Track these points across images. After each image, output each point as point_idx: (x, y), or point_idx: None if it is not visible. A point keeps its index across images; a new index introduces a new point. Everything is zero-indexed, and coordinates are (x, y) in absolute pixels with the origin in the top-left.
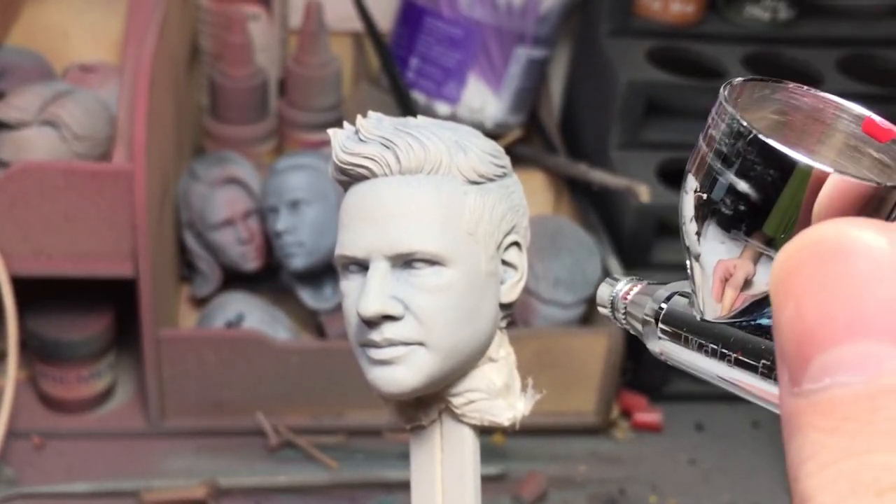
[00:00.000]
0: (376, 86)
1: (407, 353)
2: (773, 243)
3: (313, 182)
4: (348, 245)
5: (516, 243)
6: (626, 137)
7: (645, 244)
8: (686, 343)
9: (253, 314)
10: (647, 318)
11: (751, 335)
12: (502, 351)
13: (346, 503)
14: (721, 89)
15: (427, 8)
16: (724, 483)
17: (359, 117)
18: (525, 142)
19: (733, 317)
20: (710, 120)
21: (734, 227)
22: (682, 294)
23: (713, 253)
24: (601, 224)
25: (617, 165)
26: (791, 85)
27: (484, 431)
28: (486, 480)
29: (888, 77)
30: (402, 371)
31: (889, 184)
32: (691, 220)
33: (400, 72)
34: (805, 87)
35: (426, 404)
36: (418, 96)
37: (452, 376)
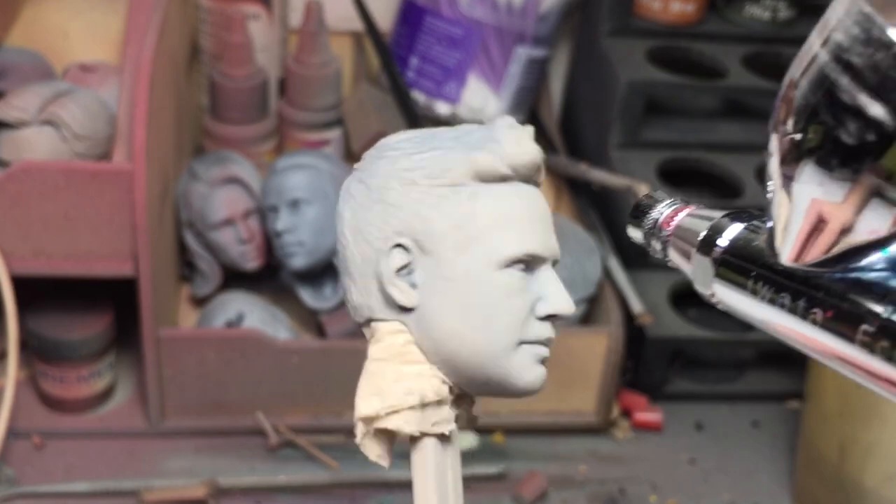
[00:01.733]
0: (376, 85)
1: None
2: (893, 178)
3: (313, 182)
4: (536, 243)
5: None
6: (626, 137)
7: None
8: (754, 291)
9: (253, 314)
10: (702, 253)
11: (848, 290)
12: None
13: (346, 503)
14: None
15: (427, 8)
16: (724, 483)
17: (510, 119)
18: None
19: (823, 263)
20: (827, 20)
21: (847, 161)
22: (751, 228)
23: (808, 194)
24: (601, 224)
25: (617, 165)
26: None
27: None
28: (487, 480)
29: None
30: (546, 369)
31: None
32: (781, 164)
33: (400, 71)
34: None
35: (454, 408)
36: (418, 96)
37: None
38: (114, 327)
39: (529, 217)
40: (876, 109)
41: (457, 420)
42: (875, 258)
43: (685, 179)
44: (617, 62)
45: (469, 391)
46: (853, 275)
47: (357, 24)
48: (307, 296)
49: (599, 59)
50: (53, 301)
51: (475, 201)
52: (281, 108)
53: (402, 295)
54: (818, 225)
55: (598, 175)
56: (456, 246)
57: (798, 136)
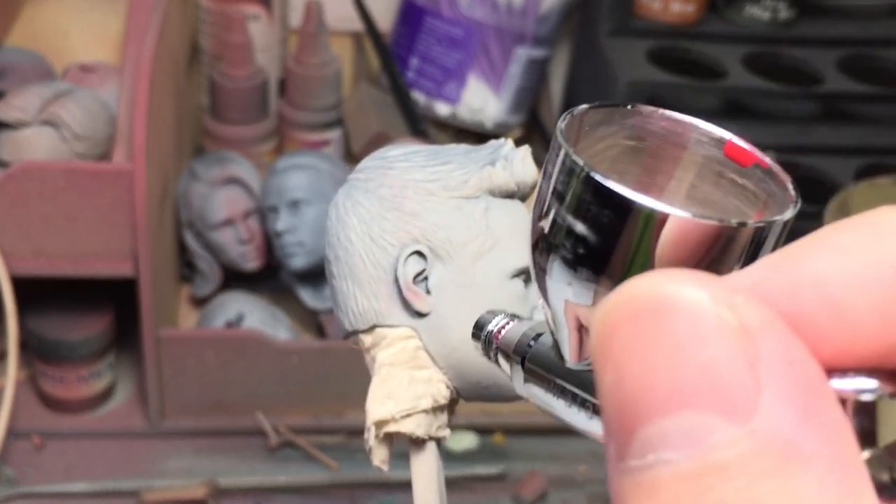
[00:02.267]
0: (376, 86)
1: None
2: None
3: (313, 182)
4: None
5: None
6: None
7: None
8: (551, 388)
9: (253, 314)
10: (515, 360)
11: None
12: None
13: (346, 503)
14: (559, 119)
15: (427, 8)
16: None
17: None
18: (525, 142)
19: (590, 363)
20: (547, 154)
21: (579, 267)
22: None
23: (560, 294)
24: None
25: None
26: (644, 108)
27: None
28: (486, 480)
29: (888, 77)
30: None
31: (734, 222)
32: (534, 251)
33: (400, 72)
34: (660, 111)
35: (449, 413)
36: (418, 96)
37: None
38: (114, 327)
39: (524, 230)
40: (579, 227)
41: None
42: None
43: None
44: (617, 62)
45: (467, 396)
46: None
47: (357, 24)
48: (307, 296)
49: (599, 59)
50: (53, 301)
51: (490, 213)
52: (281, 108)
53: (418, 300)
54: (581, 330)
55: None
56: (473, 254)
57: (546, 228)
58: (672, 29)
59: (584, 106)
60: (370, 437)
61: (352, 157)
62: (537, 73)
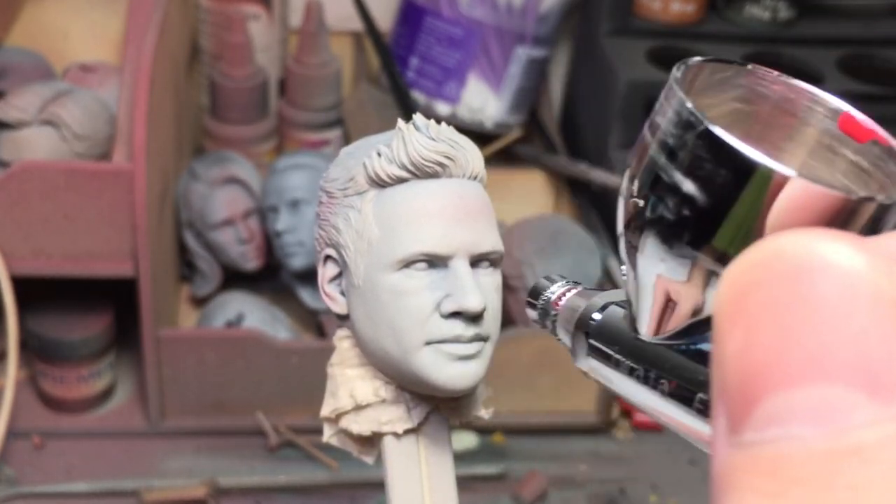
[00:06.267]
0: (376, 86)
1: (483, 348)
2: (726, 259)
3: (313, 182)
4: (431, 241)
5: None
6: (626, 137)
7: None
8: (617, 364)
9: (253, 314)
10: (577, 329)
11: (689, 362)
12: None
13: (346, 503)
14: (674, 69)
15: (427, 8)
16: None
17: (421, 118)
18: (525, 142)
19: (671, 337)
20: (657, 104)
21: (677, 238)
22: (621, 304)
23: (652, 270)
24: (601, 224)
25: (617, 165)
26: (758, 69)
27: (459, 427)
28: (486, 480)
29: (888, 77)
30: (476, 366)
31: (861, 195)
32: (626, 229)
33: (400, 72)
34: (775, 73)
35: (417, 405)
36: (418, 96)
37: None
38: (114, 327)
39: (427, 214)
40: (688, 186)
41: (429, 416)
42: None
43: None
44: (617, 62)
45: (414, 390)
46: (696, 346)
47: (357, 24)
48: (307, 296)
49: (599, 59)
50: (53, 301)
51: (379, 205)
52: (281, 108)
53: (334, 304)
54: (668, 304)
55: (598, 175)
56: (358, 254)
57: (640, 203)
58: (672, 29)
59: (699, 58)
60: (325, 433)
61: None
62: (537, 72)
